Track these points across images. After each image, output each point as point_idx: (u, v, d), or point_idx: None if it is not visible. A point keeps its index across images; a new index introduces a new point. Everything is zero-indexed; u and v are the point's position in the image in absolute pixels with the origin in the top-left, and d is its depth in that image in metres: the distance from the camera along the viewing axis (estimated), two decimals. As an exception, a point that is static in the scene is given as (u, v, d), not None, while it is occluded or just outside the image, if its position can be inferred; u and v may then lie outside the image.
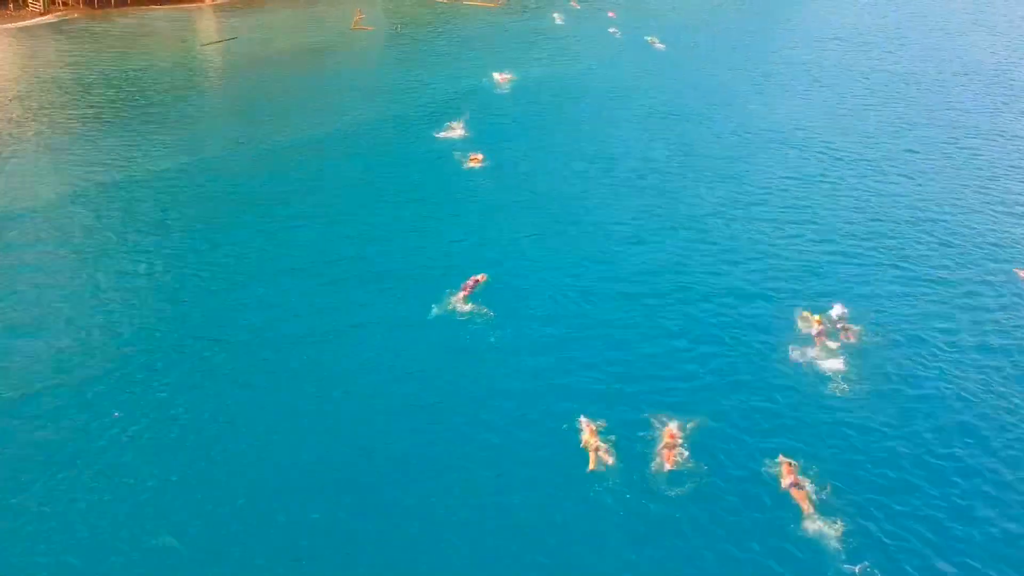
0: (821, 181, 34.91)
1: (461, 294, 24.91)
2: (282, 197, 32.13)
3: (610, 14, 69.42)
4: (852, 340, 23.45)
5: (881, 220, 31.32)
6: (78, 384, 20.75)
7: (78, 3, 64.60)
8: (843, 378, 21.78)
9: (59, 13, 62.90)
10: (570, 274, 27.14)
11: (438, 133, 38.99)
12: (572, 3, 75.00)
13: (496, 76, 49.16)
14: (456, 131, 39.23)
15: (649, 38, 59.88)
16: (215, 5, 69.16)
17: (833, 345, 23.19)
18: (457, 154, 36.31)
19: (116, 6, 65.40)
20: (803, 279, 27.08)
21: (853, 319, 24.33)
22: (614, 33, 62.52)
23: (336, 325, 23.78)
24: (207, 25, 63.02)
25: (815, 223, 31.02)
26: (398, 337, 23.28)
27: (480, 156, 35.76)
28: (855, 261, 28.35)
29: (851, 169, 36.28)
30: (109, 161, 35.03)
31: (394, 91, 46.36)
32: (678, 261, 28.06)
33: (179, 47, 54.45)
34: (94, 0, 65.07)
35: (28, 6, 62.44)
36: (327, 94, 45.40)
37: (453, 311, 24.16)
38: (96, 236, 28.67)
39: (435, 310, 24.09)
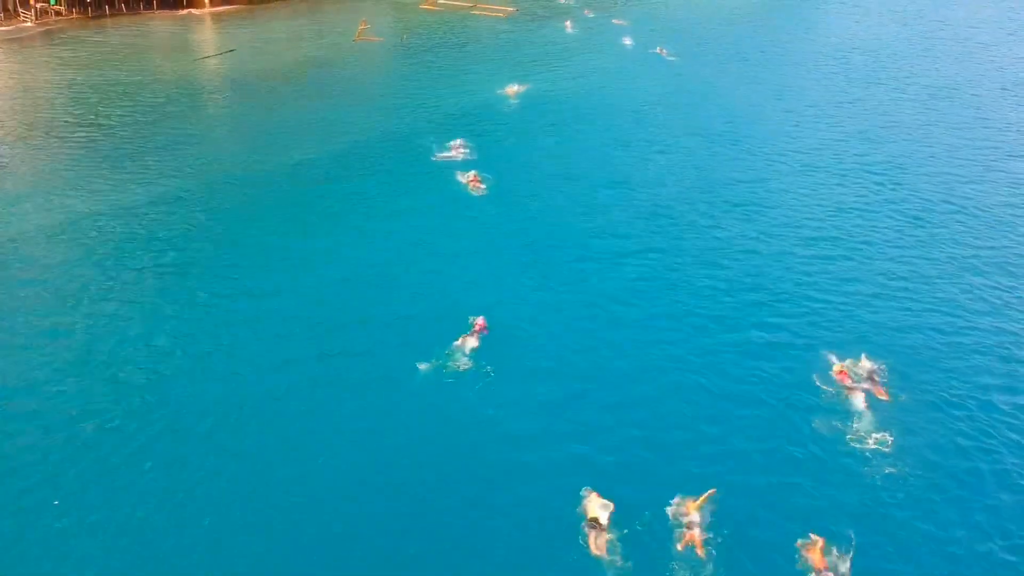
0: (853, 209, 31.78)
1: (461, 342, 22.17)
2: (267, 230, 29.41)
3: (616, 21, 66.54)
4: (889, 397, 20.63)
5: (923, 258, 28.16)
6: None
7: (71, 12, 62.25)
8: (881, 443, 18.98)
9: (50, 22, 60.57)
10: (577, 318, 24.34)
11: (440, 154, 36.12)
12: (585, 11, 72.35)
13: (504, 90, 46.51)
14: (459, 151, 36.35)
15: (660, 49, 56.86)
16: (214, 13, 66.75)
17: (866, 402, 20.36)
18: (459, 177, 33.51)
19: (111, 15, 63.06)
20: (833, 324, 24.12)
21: (889, 371, 21.53)
22: (625, 43, 59.59)
23: (310, 384, 20.98)
24: (204, 36, 60.59)
25: (848, 258, 27.95)
26: (382, 397, 20.47)
27: (481, 179, 32.98)
28: (892, 304, 25.24)
29: (887, 197, 33.14)
30: (91, 187, 32.36)
31: (396, 109, 43.53)
32: (695, 303, 25.12)
33: (173, 61, 51.85)
34: (88, 8, 62.75)
35: (19, 15, 60.12)
36: (325, 113, 42.56)
37: (447, 364, 21.33)
38: (73, 271, 26.13)
39: (424, 367, 21.19)
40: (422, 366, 21.19)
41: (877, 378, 21.20)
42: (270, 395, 20.55)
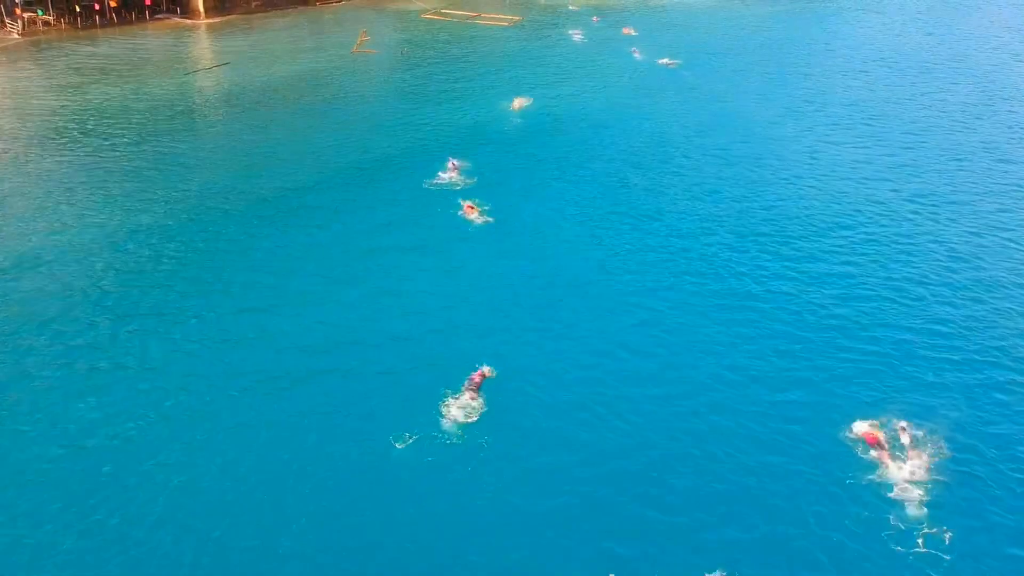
0: (884, 245, 29.00)
1: (457, 399, 19.82)
2: (248, 267, 26.97)
3: (625, 31, 64.06)
4: (925, 463, 18.30)
5: (968, 304, 25.39)
6: None
7: (59, 22, 60.03)
8: (918, 519, 16.78)
9: (38, 33, 58.34)
10: (586, 368, 21.96)
11: (437, 178, 33.61)
12: (593, 19, 69.91)
13: (508, 105, 44.20)
14: (458, 175, 33.91)
15: (669, 60, 54.23)
16: (209, 24, 64.45)
17: (900, 467, 18.10)
18: (455, 204, 30.97)
19: (101, 26, 60.79)
20: (863, 376, 21.62)
21: (926, 432, 19.22)
22: (634, 54, 56.92)
23: (282, 449, 18.46)
24: (198, 48, 58.23)
25: (880, 301, 25.26)
26: (365, 471, 18.02)
27: (478, 207, 30.50)
28: (932, 356, 22.62)
29: (924, 229, 30.38)
30: (67, 215, 30.13)
31: (394, 127, 40.97)
32: (709, 352, 22.69)
33: (163, 75, 49.46)
34: (77, 19, 60.52)
35: (4, 25, 57.92)
36: (318, 133, 40.06)
37: (440, 426, 18.89)
38: (40, 305, 23.94)
39: (408, 439, 18.59)
40: (407, 439, 18.61)
41: (911, 440, 18.86)
42: (234, 461, 18.05)
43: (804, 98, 47.07)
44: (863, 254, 28.24)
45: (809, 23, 70.72)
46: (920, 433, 19.11)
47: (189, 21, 65.01)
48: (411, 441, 18.51)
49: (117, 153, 36.50)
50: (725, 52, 58.09)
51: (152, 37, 59.41)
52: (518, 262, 27.44)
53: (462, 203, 30.78)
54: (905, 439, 18.82)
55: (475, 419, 19.34)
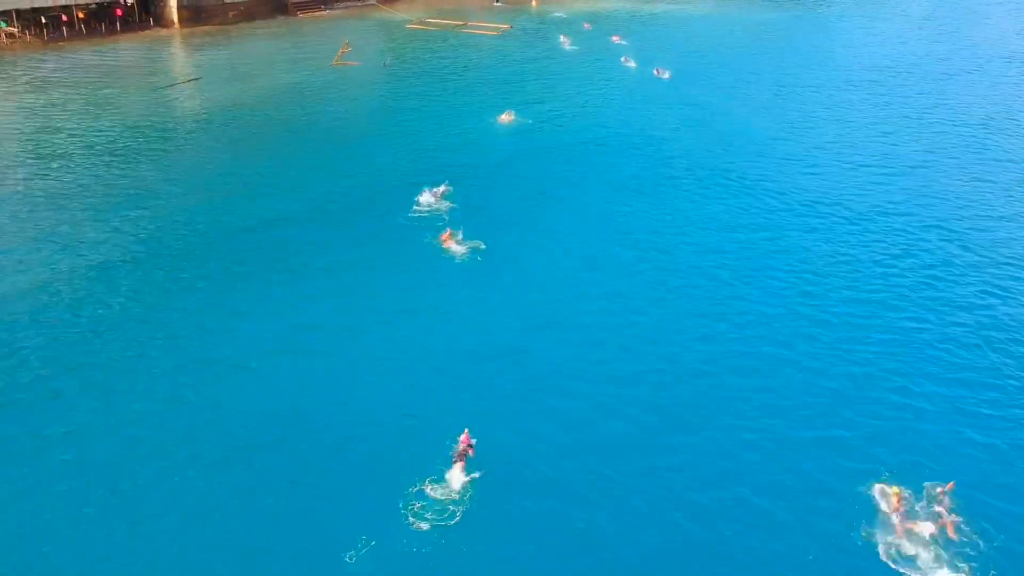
0: (906, 284, 26.25)
1: (436, 483, 16.98)
2: (202, 307, 24.13)
3: (615, 39, 61.66)
4: (956, 535, 15.94)
5: (996, 349, 22.69)
6: None
7: (24, 35, 57.15)
8: None
9: (2, 47, 55.47)
10: (584, 431, 19.20)
11: (419, 204, 30.85)
12: (584, 24, 67.54)
13: (497, 119, 41.68)
14: (440, 201, 31.19)
15: (658, 70, 51.60)
16: (185, 34, 61.68)
17: (930, 537, 15.83)
18: (433, 235, 28.22)
19: (69, 38, 57.95)
20: (889, 432, 19.11)
21: (959, 498, 16.77)
22: (626, 63, 54.37)
23: (227, 541, 15.60)
24: (170, 61, 55.44)
25: (905, 347, 22.57)
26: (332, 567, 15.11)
27: (456, 237, 27.78)
28: (957, 409, 20.01)
29: (944, 259, 27.72)
30: (21, 250, 27.33)
31: (374, 148, 38.18)
32: (716, 406, 20.07)
33: (130, 91, 46.57)
34: (43, 31, 57.65)
35: (-35, 39, 55.15)
36: (292, 156, 37.17)
37: (422, 509, 16.18)
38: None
39: (370, 544, 15.74)
40: (370, 544, 15.72)
41: (944, 507, 16.53)
42: (181, 552, 15.25)
43: (808, 111, 44.51)
44: (882, 297, 25.59)
45: (809, 30, 68.27)
46: (950, 493, 16.80)
47: (164, 32, 62.27)
48: (383, 544, 15.58)
49: (72, 176, 33.74)
50: (722, 62, 55.51)
51: (122, 50, 56.56)
52: (503, 301, 24.69)
53: (441, 233, 28.12)
54: (929, 498, 16.73)
55: (463, 491, 16.70)
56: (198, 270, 26.28)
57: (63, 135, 38.75)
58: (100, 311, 23.69)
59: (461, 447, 17.95)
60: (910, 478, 17.33)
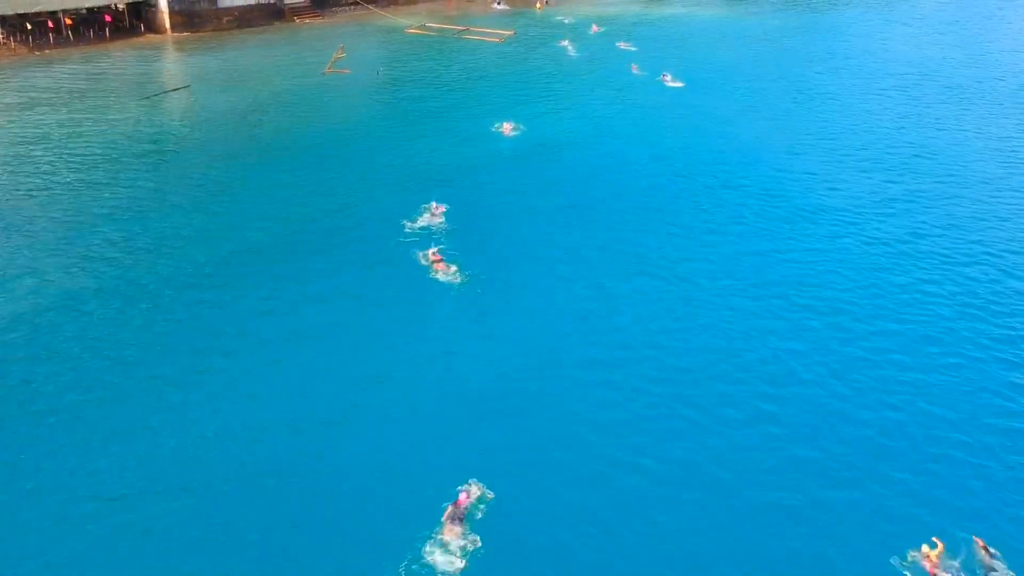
0: (943, 309, 24.00)
1: (431, 546, 15.13)
2: (168, 347, 21.86)
3: (621, 45, 59.44)
4: None
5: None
6: None
7: (9, 42, 55.06)
8: None
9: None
10: (590, 485, 17.22)
11: (415, 225, 28.73)
12: (592, 27, 65.38)
13: (497, 128, 39.78)
14: (435, 219, 29.15)
15: (672, 79, 49.31)
16: (176, 42, 59.58)
17: None
18: (427, 258, 26.07)
19: (56, 46, 55.87)
20: (921, 486, 17.23)
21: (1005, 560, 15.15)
22: (633, 70, 52.10)
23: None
24: (160, 69, 53.20)
25: (931, 398, 20.26)
26: None
27: (447, 261, 25.72)
28: (991, 462, 17.87)
29: (992, 288, 25.34)
30: None
31: (368, 162, 35.93)
32: (743, 458, 17.91)
33: (114, 102, 44.31)
34: (29, 38, 55.62)
35: (-53, 48, 53.11)
36: (279, 171, 34.77)
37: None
38: None
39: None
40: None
41: (988, 559, 15.17)
42: None
43: (827, 121, 42.14)
44: (914, 333, 23.24)
45: (823, 35, 65.85)
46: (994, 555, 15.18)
47: (155, 38, 60.22)
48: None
49: (49, 192, 31.58)
50: (735, 69, 53.08)
51: (111, 58, 54.44)
52: (502, 335, 22.48)
53: (429, 255, 25.93)
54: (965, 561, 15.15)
55: (461, 554, 14.80)
56: (172, 300, 24.06)
57: (36, 150, 36.49)
58: (66, 345, 21.52)
59: (458, 507, 15.89)
60: (950, 532, 15.56)
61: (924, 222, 29.81)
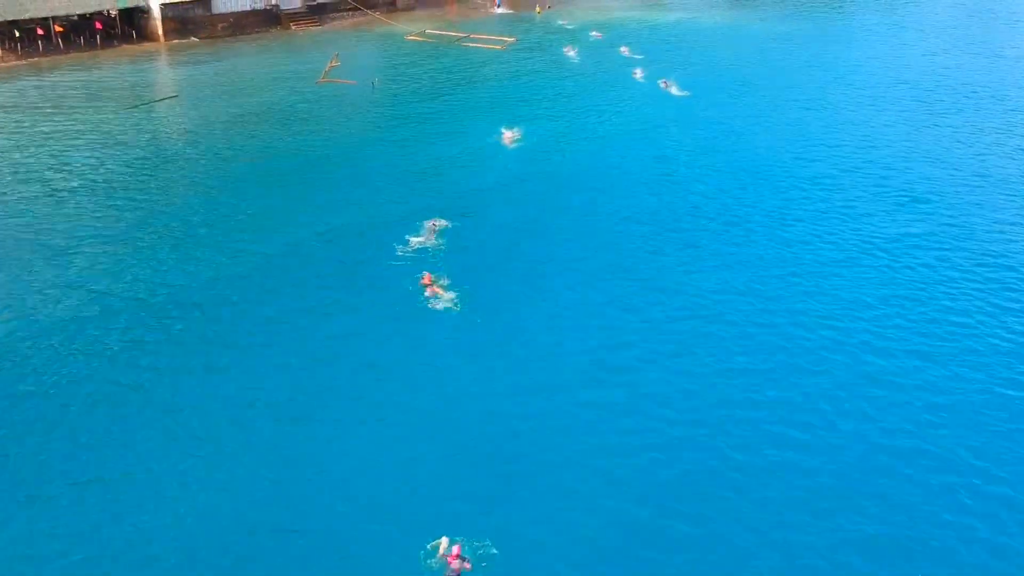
0: (970, 332, 22.44)
1: None
2: (147, 376, 20.32)
3: (623, 51, 57.93)
4: None
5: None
6: None
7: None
8: None
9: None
10: (596, 539, 15.76)
11: (408, 245, 27.23)
12: (592, 33, 63.90)
13: (497, 137, 38.31)
14: (435, 238, 27.62)
15: (664, 82, 47.83)
16: (169, 50, 58.18)
17: None
18: (421, 278, 24.48)
19: (45, 54, 54.47)
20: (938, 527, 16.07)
21: None
22: (636, 76, 50.66)
23: None
24: (151, 78, 51.75)
25: (950, 426, 18.83)
26: None
27: (439, 284, 24.23)
28: None
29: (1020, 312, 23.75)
30: None
31: (361, 179, 34.36)
32: (766, 512, 16.42)
33: (100, 112, 42.77)
34: (17, 46, 54.23)
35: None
36: (266, 187, 33.35)
37: None
38: None
39: None
40: None
41: None
42: None
43: (836, 132, 40.55)
44: (934, 362, 21.65)
45: (830, 42, 64.18)
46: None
47: (148, 46, 58.84)
48: None
49: (31, 219, 29.92)
50: (741, 76, 51.41)
51: (101, 66, 52.99)
52: (498, 364, 21.11)
53: (425, 279, 24.47)
54: None
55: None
56: (155, 328, 22.55)
57: (13, 165, 35.05)
58: (45, 378, 20.06)
59: (450, 562, 14.41)
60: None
61: (948, 248, 28.12)
